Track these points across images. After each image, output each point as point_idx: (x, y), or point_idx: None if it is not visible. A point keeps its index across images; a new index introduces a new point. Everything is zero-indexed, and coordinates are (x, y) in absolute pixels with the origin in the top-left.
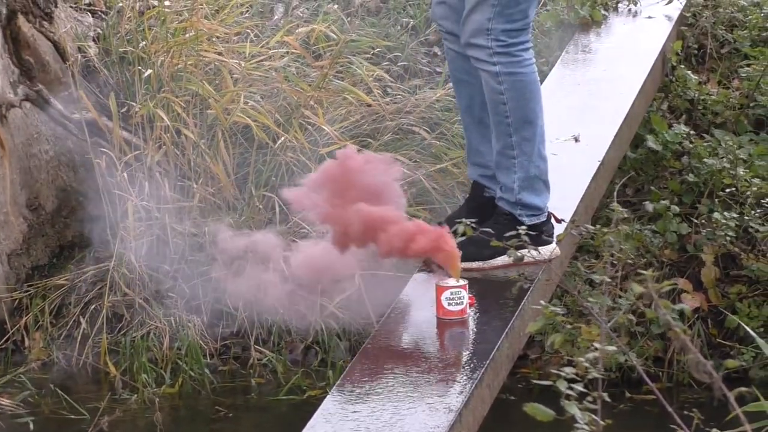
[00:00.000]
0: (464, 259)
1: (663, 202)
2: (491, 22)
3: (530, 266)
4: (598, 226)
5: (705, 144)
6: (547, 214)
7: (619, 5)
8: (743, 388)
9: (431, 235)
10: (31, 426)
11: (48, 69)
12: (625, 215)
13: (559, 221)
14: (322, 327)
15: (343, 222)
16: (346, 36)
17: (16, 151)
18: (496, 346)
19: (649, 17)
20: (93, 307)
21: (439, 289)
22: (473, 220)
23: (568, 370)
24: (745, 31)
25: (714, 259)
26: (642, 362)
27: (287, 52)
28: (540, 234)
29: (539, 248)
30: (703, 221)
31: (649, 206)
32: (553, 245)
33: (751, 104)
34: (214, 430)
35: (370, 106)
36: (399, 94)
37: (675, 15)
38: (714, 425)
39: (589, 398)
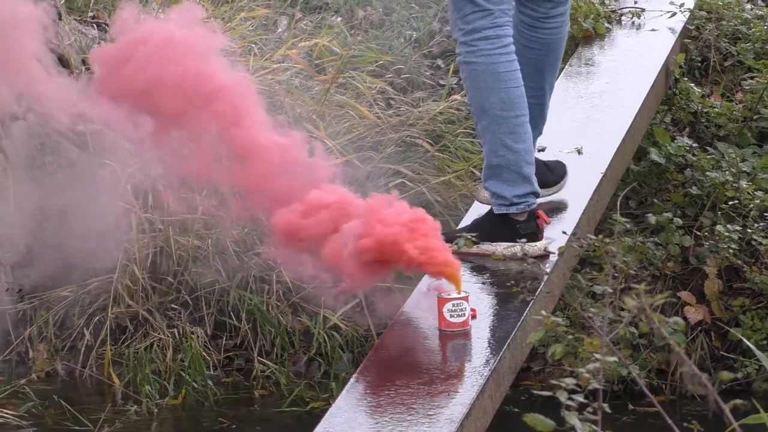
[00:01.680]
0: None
1: (666, 214)
2: (452, 15)
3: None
4: (600, 237)
5: (708, 157)
6: (524, 209)
7: (623, 18)
8: (738, 401)
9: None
10: None
11: None
12: (628, 227)
13: (547, 222)
14: (325, 339)
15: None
16: (348, 52)
17: (21, 163)
18: (498, 358)
19: (653, 30)
20: (97, 318)
21: (441, 301)
22: (474, 234)
23: (569, 381)
24: (748, 44)
25: (717, 272)
26: (645, 374)
27: (290, 67)
28: (511, 229)
29: (500, 243)
30: (706, 234)
31: (652, 218)
32: (530, 246)
33: (755, 117)
34: None
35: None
36: (402, 107)
37: (678, 28)
38: None
39: (590, 409)
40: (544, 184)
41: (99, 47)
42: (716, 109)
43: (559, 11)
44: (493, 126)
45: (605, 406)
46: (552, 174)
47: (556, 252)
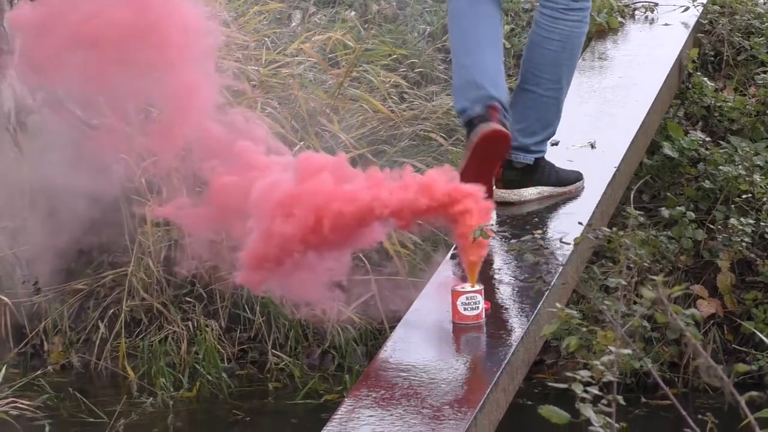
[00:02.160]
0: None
1: (679, 208)
2: None
3: None
4: (615, 229)
5: (721, 151)
6: (480, 111)
7: (636, 12)
8: (754, 393)
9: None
10: (47, 429)
11: None
12: (642, 220)
13: (496, 110)
14: (339, 332)
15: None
16: (361, 45)
17: (35, 157)
18: (512, 351)
19: (666, 24)
20: (111, 311)
21: (455, 294)
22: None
23: (584, 373)
24: (761, 38)
25: (730, 265)
26: (657, 368)
27: (304, 60)
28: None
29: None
30: (719, 227)
31: (665, 212)
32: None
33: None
34: None
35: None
36: (416, 101)
37: (692, 22)
38: (728, 431)
39: (604, 401)
40: (555, 185)
41: (15, 10)
42: (729, 104)
43: (580, 5)
44: (454, 53)
45: (619, 398)
46: (565, 174)
47: (572, 243)
